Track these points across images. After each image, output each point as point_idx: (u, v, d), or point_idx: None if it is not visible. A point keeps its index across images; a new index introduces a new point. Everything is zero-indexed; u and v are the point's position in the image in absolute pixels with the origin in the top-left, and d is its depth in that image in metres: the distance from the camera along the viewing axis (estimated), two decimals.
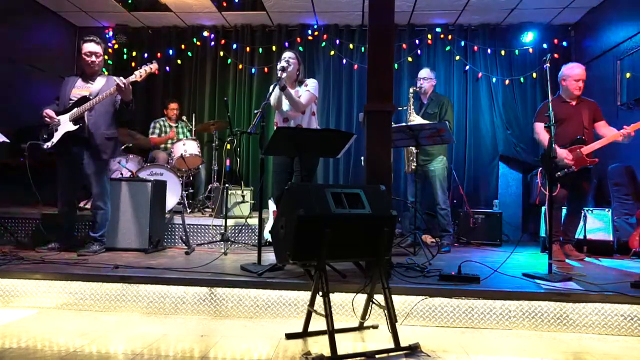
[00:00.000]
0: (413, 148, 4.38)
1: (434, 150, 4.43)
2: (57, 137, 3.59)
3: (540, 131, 3.91)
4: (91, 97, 3.58)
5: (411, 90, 4.60)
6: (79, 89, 3.71)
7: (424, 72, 4.62)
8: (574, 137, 3.83)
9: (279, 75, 3.45)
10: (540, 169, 4.02)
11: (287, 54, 3.70)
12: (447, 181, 4.58)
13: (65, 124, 3.59)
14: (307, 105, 3.70)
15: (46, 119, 3.60)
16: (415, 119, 4.40)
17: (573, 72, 3.92)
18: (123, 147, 5.36)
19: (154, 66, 3.61)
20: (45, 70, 6.19)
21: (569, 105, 3.95)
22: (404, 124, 4.28)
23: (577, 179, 3.84)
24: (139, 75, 3.53)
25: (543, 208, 4.39)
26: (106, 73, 5.26)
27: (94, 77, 3.75)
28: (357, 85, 6.45)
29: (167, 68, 6.71)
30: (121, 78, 3.49)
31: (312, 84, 3.73)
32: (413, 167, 4.42)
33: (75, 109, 3.58)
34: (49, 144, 3.61)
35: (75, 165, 3.67)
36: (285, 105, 3.70)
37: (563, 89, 4.01)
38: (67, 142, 3.61)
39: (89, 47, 3.68)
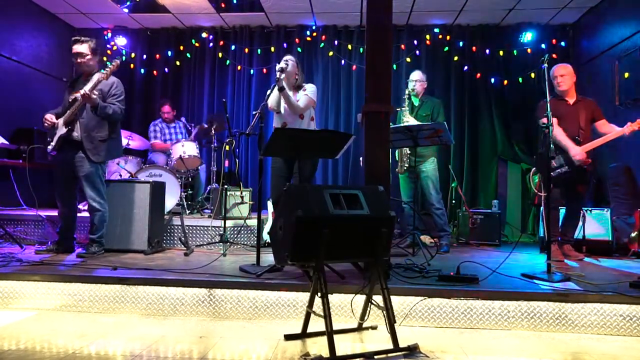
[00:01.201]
0: (407, 149, 4.40)
1: (425, 152, 4.46)
2: (54, 140, 3.63)
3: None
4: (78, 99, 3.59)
5: (407, 91, 4.62)
6: (76, 90, 3.71)
7: (416, 75, 4.64)
8: (569, 137, 3.83)
9: (277, 76, 3.45)
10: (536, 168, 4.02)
11: (287, 56, 3.72)
12: (439, 181, 4.58)
13: (61, 127, 3.61)
14: (305, 109, 3.69)
15: (45, 123, 3.62)
16: (410, 120, 4.42)
17: (555, 70, 3.99)
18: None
19: (115, 63, 3.65)
20: (43, 72, 6.18)
21: (566, 104, 3.96)
22: (401, 124, 4.29)
23: (574, 179, 3.84)
24: (104, 74, 3.57)
25: (542, 208, 4.39)
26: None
27: (89, 77, 3.73)
28: (356, 86, 6.45)
29: (166, 69, 6.71)
30: (86, 87, 3.49)
31: (310, 88, 3.73)
32: (405, 168, 4.45)
33: (68, 112, 3.60)
34: (49, 147, 3.66)
35: (69, 168, 3.67)
36: (283, 108, 3.70)
37: (555, 88, 4.06)
38: (62, 145, 3.64)
39: (75, 48, 3.68)
